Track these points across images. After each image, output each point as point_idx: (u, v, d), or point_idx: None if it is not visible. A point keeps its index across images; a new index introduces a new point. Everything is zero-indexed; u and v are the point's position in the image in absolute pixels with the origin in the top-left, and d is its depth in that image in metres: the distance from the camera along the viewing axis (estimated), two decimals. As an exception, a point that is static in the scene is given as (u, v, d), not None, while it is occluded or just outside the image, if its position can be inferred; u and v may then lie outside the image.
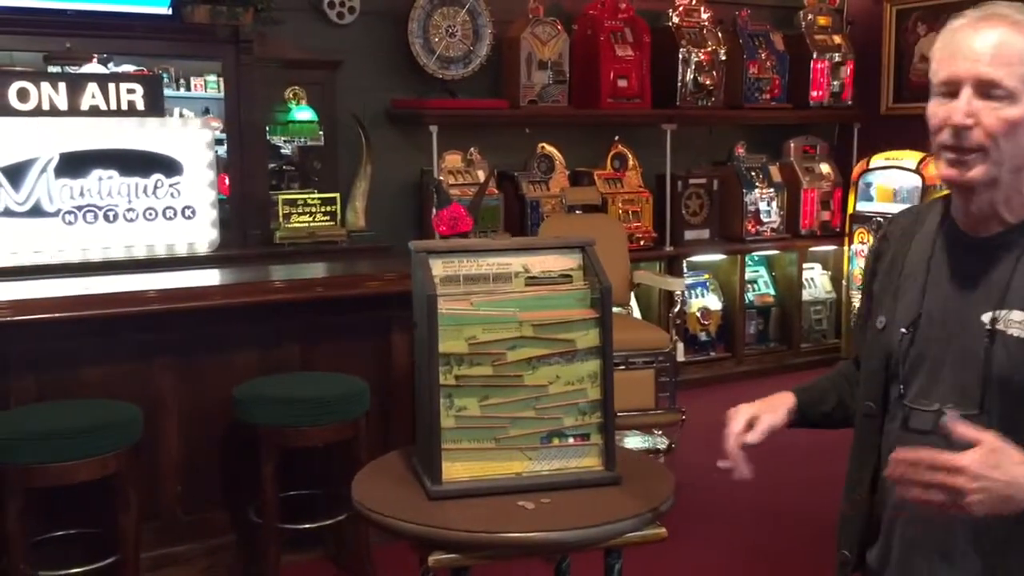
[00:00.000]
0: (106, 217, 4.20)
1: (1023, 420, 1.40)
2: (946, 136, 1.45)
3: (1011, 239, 1.48)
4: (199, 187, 4.37)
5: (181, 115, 6.09)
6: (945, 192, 1.59)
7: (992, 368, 1.43)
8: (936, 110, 1.46)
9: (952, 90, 1.44)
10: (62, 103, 4.14)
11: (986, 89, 1.41)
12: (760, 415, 1.70)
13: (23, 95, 4.08)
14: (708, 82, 6.05)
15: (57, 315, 3.05)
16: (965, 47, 1.43)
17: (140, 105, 4.28)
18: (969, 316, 1.47)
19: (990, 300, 1.46)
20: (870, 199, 6.29)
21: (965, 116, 1.42)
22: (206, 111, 6.59)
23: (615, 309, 2.62)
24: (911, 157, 5.92)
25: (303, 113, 5.04)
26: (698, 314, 6.20)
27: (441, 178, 5.19)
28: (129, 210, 4.24)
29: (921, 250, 1.58)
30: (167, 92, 5.30)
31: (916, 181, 5.95)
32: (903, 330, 1.53)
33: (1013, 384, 1.42)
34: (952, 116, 1.43)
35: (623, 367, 4.35)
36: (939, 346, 1.50)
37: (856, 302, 6.02)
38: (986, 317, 1.45)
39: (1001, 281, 1.46)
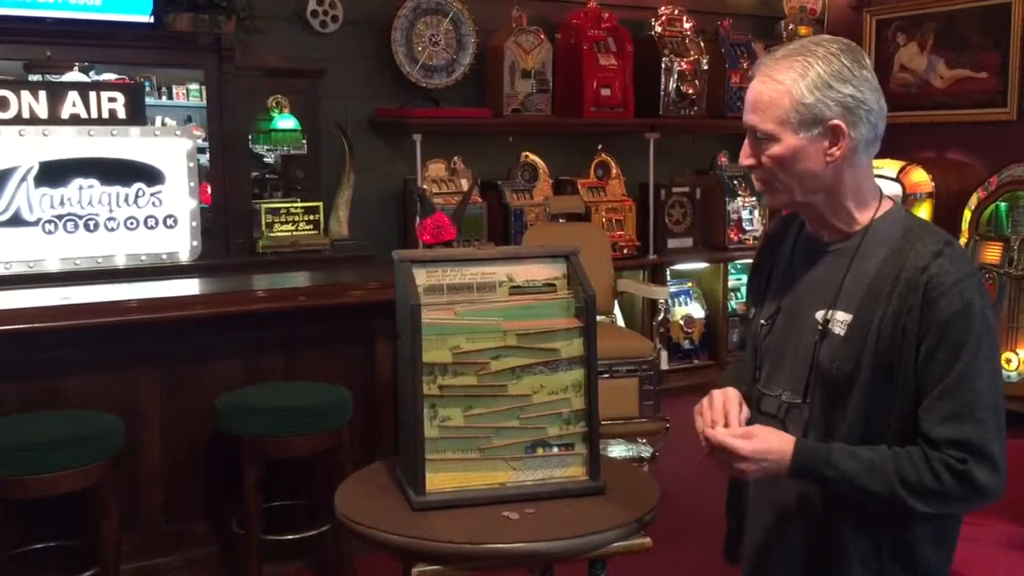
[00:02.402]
0: (87, 226, 4.17)
1: (838, 410, 1.59)
2: None
3: (847, 245, 1.65)
4: (181, 196, 4.35)
5: (163, 124, 6.07)
6: None
7: (817, 362, 1.62)
8: None
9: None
10: (42, 111, 4.11)
11: (753, 133, 1.62)
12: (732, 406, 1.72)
13: (3, 103, 4.05)
14: (691, 91, 6.07)
15: (37, 325, 3.02)
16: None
17: (121, 114, 4.26)
18: (808, 313, 1.66)
19: (825, 299, 1.63)
20: (851, 207, 6.32)
21: (744, 157, 1.66)
22: (188, 120, 6.57)
23: (598, 318, 2.62)
24: (891, 166, 5.96)
25: (286, 122, 5.03)
26: (681, 322, 6.21)
27: (424, 187, 5.19)
28: (110, 219, 4.21)
29: (786, 252, 1.77)
30: (149, 100, 5.28)
31: (896, 189, 5.99)
32: (763, 322, 1.75)
33: (830, 377, 1.60)
34: (740, 158, 1.67)
35: (607, 375, 4.36)
36: (786, 339, 1.70)
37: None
38: (819, 315, 1.63)
39: (835, 282, 1.63)
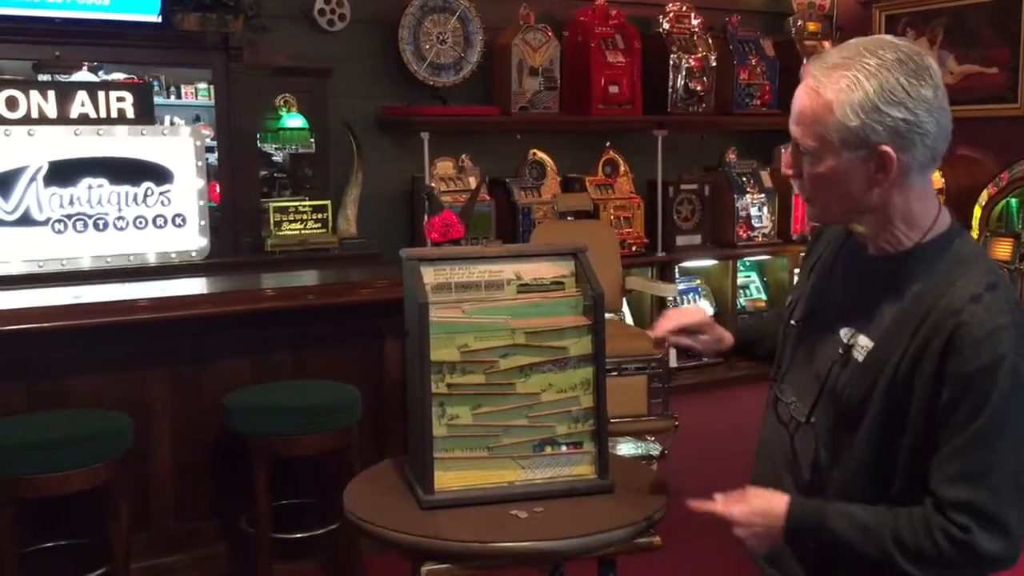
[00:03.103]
0: (96, 226, 4.18)
1: (845, 436, 1.51)
2: None
3: (888, 267, 1.52)
4: (189, 195, 4.36)
5: (171, 123, 6.08)
6: None
7: (829, 383, 1.54)
8: None
9: None
10: (51, 111, 4.12)
11: (796, 144, 1.52)
12: (702, 327, 1.87)
13: (12, 103, 4.06)
14: (699, 88, 6.06)
15: (47, 324, 3.03)
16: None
17: (130, 113, 4.27)
18: (835, 326, 1.57)
19: (853, 318, 1.54)
20: (861, 204, 6.30)
21: (786, 167, 1.57)
22: (197, 119, 6.59)
23: (607, 315, 2.62)
24: (901, 162, 5.94)
25: (294, 120, 5.03)
26: (690, 320, 6.19)
27: (432, 185, 5.19)
28: (119, 218, 4.22)
29: (832, 253, 1.68)
30: (157, 100, 5.28)
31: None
32: (792, 322, 1.68)
33: (840, 402, 1.52)
34: (782, 167, 1.60)
35: (615, 373, 4.35)
36: (810, 347, 1.62)
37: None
38: (843, 332, 1.54)
39: (866, 303, 1.53)
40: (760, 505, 1.52)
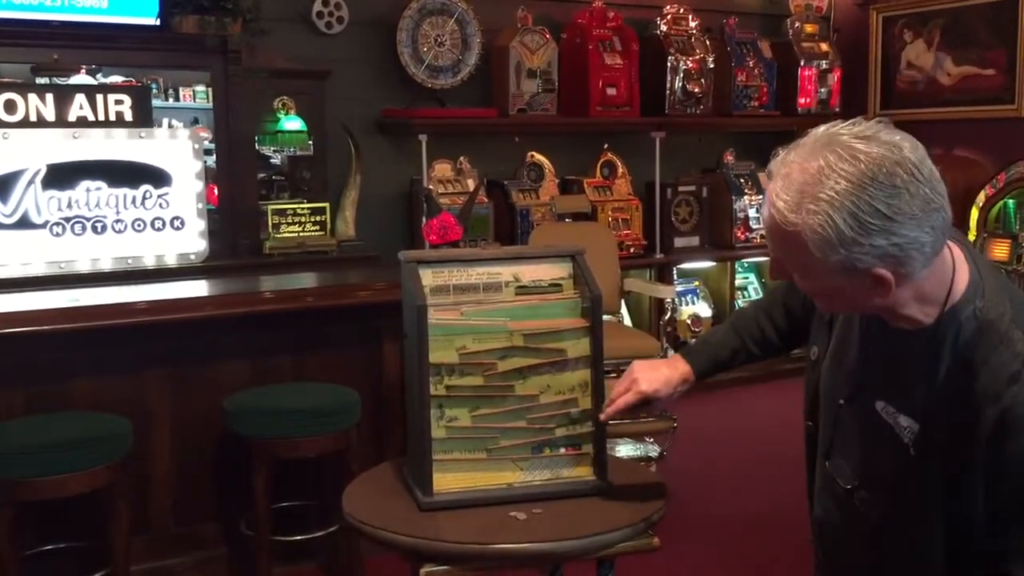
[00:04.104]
0: (94, 228, 4.18)
1: (912, 522, 1.44)
2: None
3: (913, 342, 1.40)
4: (188, 198, 4.36)
5: (170, 125, 6.08)
6: None
7: (883, 471, 1.45)
8: None
9: None
10: (50, 114, 4.13)
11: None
12: (653, 396, 1.92)
13: (10, 106, 4.07)
14: (696, 90, 6.07)
15: (46, 327, 3.03)
16: None
17: (128, 116, 4.27)
18: (872, 400, 1.46)
19: (888, 392, 1.44)
20: (858, 205, 6.32)
21: (774, 274, 1.41)
22: (195, 121, 6.58)
23: (605, 317, 2.62)
24: (899, 163, 5.95)
25: (292, 123, 5.04)
26: (688, 321, 6.20)
27: (431, 187, 5.19)
28: (117, 221, 4.22)
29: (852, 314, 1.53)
30: (156, 102, 5.29)
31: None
32: (841, 402, 1.53)
33: (902, 487, 1.43)
34: (770, 272, 1.44)
35: (614, 375, 4.35)
36: (856, 422, 1.51)
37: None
38: (880, 406, 1.44)
39: (899, 377, 1.43)
40: None
